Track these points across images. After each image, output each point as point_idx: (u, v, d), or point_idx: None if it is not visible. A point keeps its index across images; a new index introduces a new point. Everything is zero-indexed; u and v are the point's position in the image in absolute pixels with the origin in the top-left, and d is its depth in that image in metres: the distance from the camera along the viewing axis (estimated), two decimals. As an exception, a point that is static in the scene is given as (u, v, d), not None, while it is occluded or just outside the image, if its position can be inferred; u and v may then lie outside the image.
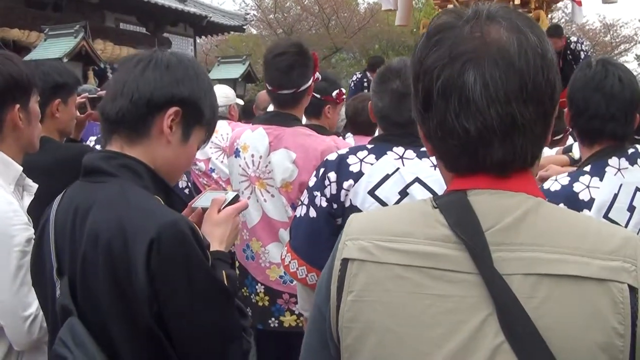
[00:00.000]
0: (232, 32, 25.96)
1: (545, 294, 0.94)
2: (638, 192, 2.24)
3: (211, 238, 1.51)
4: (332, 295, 1.07)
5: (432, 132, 1.03)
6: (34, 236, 1.87)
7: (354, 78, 11.66)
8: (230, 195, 1.69)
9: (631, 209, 2.23)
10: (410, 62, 1.09)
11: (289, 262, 2.39)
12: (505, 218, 0.99)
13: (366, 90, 11.09)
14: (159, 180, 1.54)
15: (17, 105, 1.99)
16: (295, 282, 2.81)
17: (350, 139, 4.29)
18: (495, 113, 0.97)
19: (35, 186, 2.11)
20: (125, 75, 1.53)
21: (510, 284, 0.95)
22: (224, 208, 1.63)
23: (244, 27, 25.56)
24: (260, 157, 2.92)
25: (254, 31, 31.65)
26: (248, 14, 27.35)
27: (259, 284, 2.97)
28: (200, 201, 1.69)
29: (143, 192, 1.46)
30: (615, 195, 2.22)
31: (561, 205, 1.98)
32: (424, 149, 2.31)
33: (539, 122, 1.02)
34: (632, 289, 0.93)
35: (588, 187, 2.18)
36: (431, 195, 2.14)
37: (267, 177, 2.91)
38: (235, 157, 3.03)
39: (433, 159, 2.23)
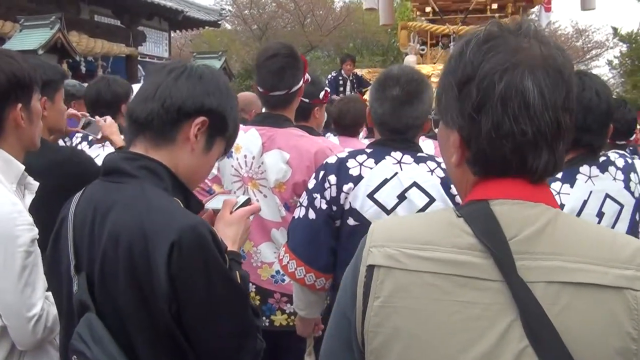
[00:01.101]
0: (206, 27, 25.82)
1: (566, 301, 0.99)
2: (607, 199, 2.33)
3: (224, 238, 1.54)
4: (358, 300, 1.09)
5: (484, 134, 1.06)
6: (37, 236, 1.87)
7: (329, 77, 11.80)
8: (242, 198, 1.73)
9: (600, 214, 2.32)
10: (453, 67, 1.12)
11: (287, 262, 2.42)
12: (527, 228, 1.04)
13: (341, 88, 11.29)
14: (179, 183, 1.56)
15: (20, 105, 1.97)
16: (286, 282, 2.86)
17: (334, 139, 4.34)
18: (548, 118, 1.04)
19: (37, 184, 2.10)
20: (159, 81, 1.56)
21: (534, 291, 1.00)
22: (235, 210, 1.67)
23: (219, 22, 25.45)
24: (254, 157, 2.94)
25: (229, 27, 31.53)
26: (223, 9, 27.21)
27: (250, 284, 2.99)
28: (212, 203, 1.73)
29: (163, 194, 1.49)
30: (585, 202, 2.31)
31: None
32: (421, 154, 2.40)
33: (570, 133, 1.10)
34: None
35: (559, 193, 2.26)
36: (429, 200, 2.24)
37: (260, 177, 2.93)
38: (228, 157, 3.04)
39: (430, 163, 2.32)
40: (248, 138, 2.96)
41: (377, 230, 1.14)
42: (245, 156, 2.95)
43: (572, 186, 2.31)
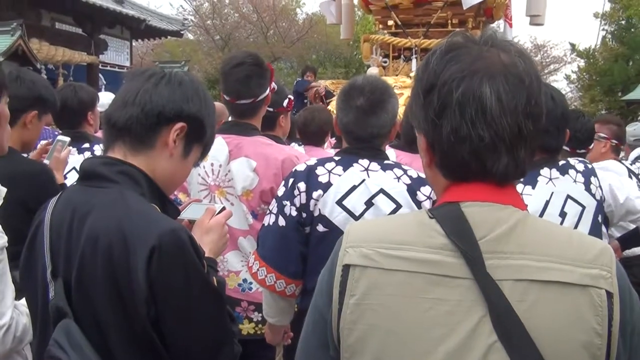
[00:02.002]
0: (169, 37, 25.67)
1: (534, 298, 1.04)
2: (569, 200, 2.42)
3: (202, 245, 1.55)
4: (334, 299, 1.13)
5: (444, 138, 1.11)
6: (6, 244, 1.85)
7: (294, 87, 11.84)
8: (218, 207, 1.75)
9: (562, 214, 2.41)
10: (419, 76, 1.18)
11: (257, 269, 2.43)
12: (496, 229, 1.09)
13: (306, 101, 11.33)
14: (156, 189, 1.57)
15: None
16: (253, 290, 2.86)
17: (300, 149, 4.37)
18: (506, 123, 1.09)
19: (4, 190, 2.08)
20: (138, 86, 1.57)
21: (502, 289, 1.05)
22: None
23: (182, 32, 25.33)
24: (220, 165, 2.94)
25: (191, 36, 31.39)
26: (186, 19, 27.10)
27: (217, 292, 2.98)
28: (187, 212, 1.74)
29: (142, 199, 1.50)
30: (547, 202, 2.40)
31: None
32: (387, 161, 2.44)
33: (535, 138, 1.14)
34: (608, 294, 1.05)
35: (521, 194, 2.32)
36: (395, 206, 2.29)
37: (227, 185, 2.94)
38: (194, 166, 3.04)
39: (396, 171, 2.37)
40: (215, 146, 2.94)
41: (353, 232, 1.18)
42: (212, 164, 2.96)
43: (533, 187, 2.39)
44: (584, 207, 2.45)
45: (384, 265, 1.11)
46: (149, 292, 1.36)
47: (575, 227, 2.40)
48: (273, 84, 3.09)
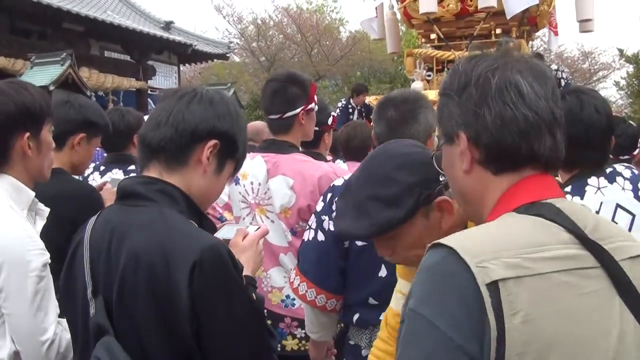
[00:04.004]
0: (215, 60, 26.09)
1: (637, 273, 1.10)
2: (619, 209, 2.33)
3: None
4: (491, 326, 0.96)
5: (490, 125, 1.14)
6: (49, 261, 1.89)
7: (339, 105, 11.86)
8: (251, 229, 1.77)
9: None
10: (448, 83, 1.22)
11: (298, 284, 2.44)
12: (588, 220, 1.13)
13: (351, 116, 11.33)
14: (193, 206, 1.60)
15: (27, 134, 2.00)
16: (296, 306, 2.86)
17: (343, 166, 4.36)
18: (543, 105, 1.15)
19: (47, 210, 2.13)
20: (170, 106, 1.60)
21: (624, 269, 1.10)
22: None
23: (228, 55, 25.73)
24: (259, 184, 2.96)
25: (237, 59, 31.85)
26: (232, 42, 27.52)
27: (261, 309, 2.99)
28: (221, 233, 1.76)
29: (181, 216, 1.52)
30: (597, 213, 2.30)
31: None
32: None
33: (563, 126, 1.19)
34: None
35: None
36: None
37: (267, 203, 2.95)
38: (235, 184, 3.06)
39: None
40: (254, 165, 2.98)
41: (466, 248, 1.02)
42: (251, 183, 2.98)
43: (582, 198, 2.31)
44: (634, 215, 2.37)
45: (539, 269, 1.01)
46: (192, 307, 1.37)
47: None
48: (313, 104, 3.04)
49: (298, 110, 2.94)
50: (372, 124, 2.63)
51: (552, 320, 0.99)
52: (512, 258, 1.00)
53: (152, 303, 1.40)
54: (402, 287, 1.92)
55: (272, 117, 2.96)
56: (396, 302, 1.95)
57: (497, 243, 1.04)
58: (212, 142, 1.59)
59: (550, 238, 1.07)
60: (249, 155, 3.08)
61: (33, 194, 2.04)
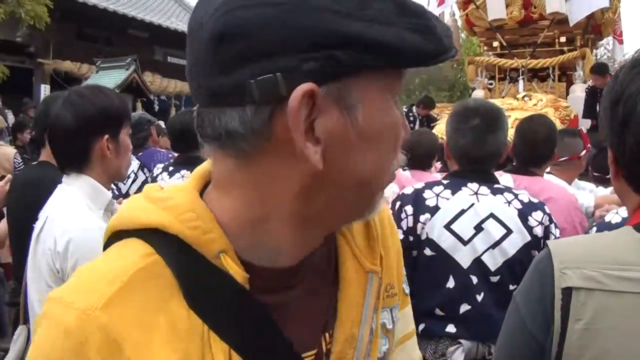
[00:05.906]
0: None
1: None
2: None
3: None
4: (555, 322, 1.09)
5: (627, 150, 1.14)
6: None
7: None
8: None
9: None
10: (609, 89, 1.20)
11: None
12: None
13: (411, 124, 11.25)
14: None
15: (107, 136, 2.06)
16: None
17: (406, 174, 4.33)
18: None
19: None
20: None
21: None
22: None
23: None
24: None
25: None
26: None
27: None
28: None
29: None
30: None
31: None
32: (497, 185, 2.39)
33: None
34: None
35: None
36: (506, 231, 2.23)
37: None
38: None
39: (507, 195, 2.31)
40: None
41: (563, 252, 1.14)
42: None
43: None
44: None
45: (613, 287, 1.06)
46: None
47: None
48: None
49: None
50: (437, 133, 2.62)
51: (608, 334, 1.05)
52: (591, 271, 1.07)
53: None
54: None
55: None
56: None
57: (588, 254, 1.11)
58: None
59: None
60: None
61: (110, 194, 2.10)
